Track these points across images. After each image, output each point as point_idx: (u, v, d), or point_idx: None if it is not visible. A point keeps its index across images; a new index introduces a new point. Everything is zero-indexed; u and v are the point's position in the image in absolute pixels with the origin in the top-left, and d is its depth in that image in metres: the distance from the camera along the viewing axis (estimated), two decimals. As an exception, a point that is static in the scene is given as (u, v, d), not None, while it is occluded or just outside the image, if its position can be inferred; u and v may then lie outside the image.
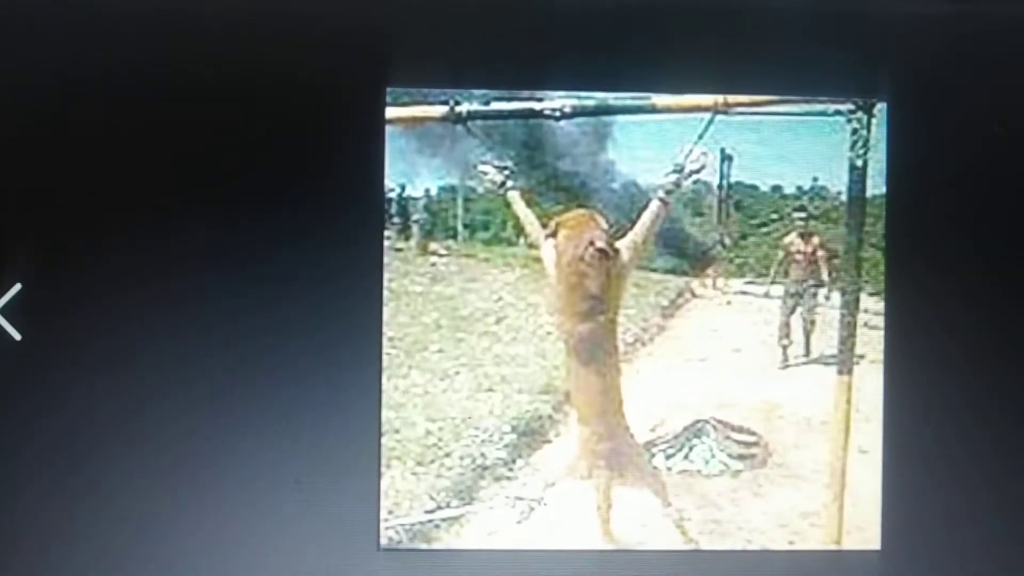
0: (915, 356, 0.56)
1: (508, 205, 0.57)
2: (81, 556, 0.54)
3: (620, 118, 0.56)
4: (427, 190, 0.57)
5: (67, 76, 0.54)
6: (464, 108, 0.56)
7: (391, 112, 0.55)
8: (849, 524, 0.57)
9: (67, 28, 0.54)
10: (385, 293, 0.55)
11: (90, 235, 0.54)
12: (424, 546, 0.56)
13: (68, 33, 0.54)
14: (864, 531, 0.56)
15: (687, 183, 0.57)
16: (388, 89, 0.55)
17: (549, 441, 0.57)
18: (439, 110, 0.56)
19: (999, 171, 0.57)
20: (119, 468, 0.54)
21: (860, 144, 0.56)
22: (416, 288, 0.57)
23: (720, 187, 0.57)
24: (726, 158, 0.57)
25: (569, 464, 0.57)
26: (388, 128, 0.55)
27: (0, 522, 0.54)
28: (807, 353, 0.58)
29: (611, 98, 0.56)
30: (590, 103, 0.56)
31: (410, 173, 0.56)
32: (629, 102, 0.56)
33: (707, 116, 0.56)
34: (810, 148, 0.57)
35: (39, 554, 0.54)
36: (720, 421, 0.57)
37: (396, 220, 0.56)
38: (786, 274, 0.59)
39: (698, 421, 0.57)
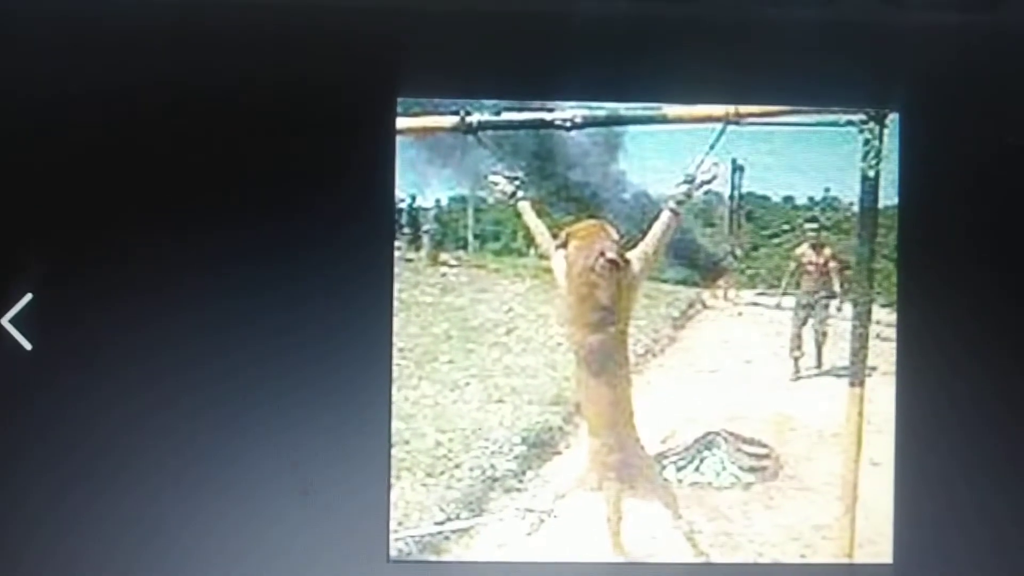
0: (927, 368, 0.56)
1: (518, 215, 0.57)
2: (88, 563, 0.54)
3: (631, 128, 0.56)
4: (437, 200, 0.57)
5: (77, 85, 0.54)
6: (475, 118, 0.56)
7: (402, 122, 0.55)
8: (861, 537, 0.56)
9: (79, 37, 0.54)
10: (395, 303, 0.55)
11: (100, 245, 0.54)
12: (434, 558, 0.56)
13: (79, 41, 0.54)
14: (876, 544, 0.56)
15: (698, 194, 0.57)
16: (399, 99, 0.55)
17: (559, 453, 0.57)
18: (450, 120, 0.56)
19: (1012, 182, 0.56)
20: (128, 477, 0.54)
21: (872, 155, 0.56)
22: (426, 298, 0.57)
23: (731, 198, 0.57)
24: (737, 168, 0.57)
25: (579, 476, 0.57)
26: (399, 138, 0.55)
27: (10, 530, 0.54)
28: (819, 365, 0.58)
29: (622, 108, 0.56)
30: (601, 113, 0.56)
31: (420, 183, 0.56)
32: (640, 112, 0.56)
33: (718, 126, 0.56)
34: (822, 159, 0.56)
35: (47, 560, 0.54)
36: (731, 433, 0.57)
37: (406, 230, 0.56)
38: (798, 285, 0.58)
39: (709, 433, 0.57)
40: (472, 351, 0.57)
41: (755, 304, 0.58)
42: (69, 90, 0.54)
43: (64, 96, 0.54)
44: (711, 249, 0.58)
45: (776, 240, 0.58)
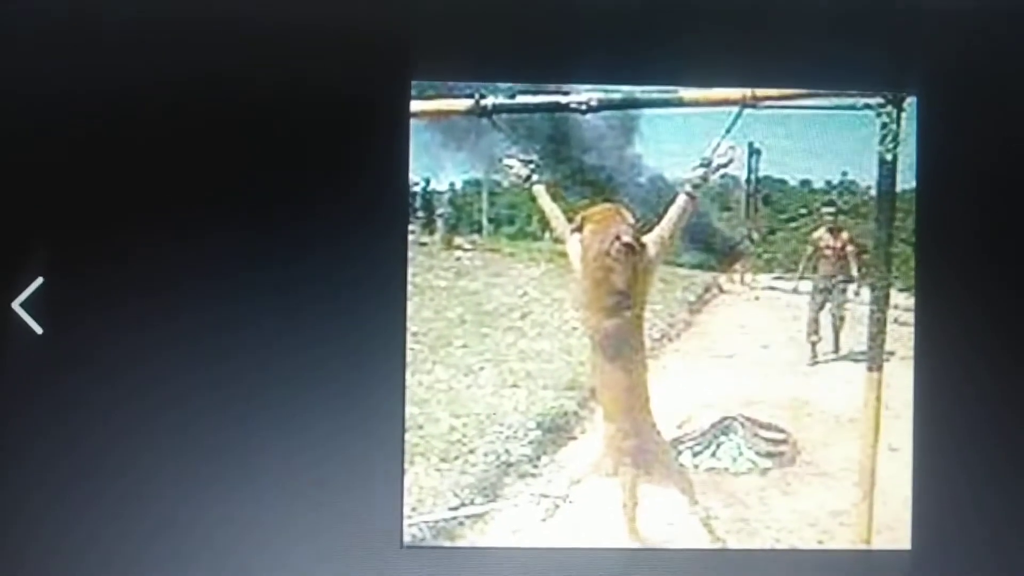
0: (946, 352, 0.56)
1: (533, 199, 0.57)
2: (99, 552, 0.53)
3: (647, 112, 0.56)
4: (452, 184, 0.56)
5: (93, 75, 0.54)
6: (489, 101, 0.56)
7: (416, 105, 0.55)
8: (879, 523, 0.56)
9: (96, 28, 0.53)
10: (409, 288, 0.55)
11: (113, 229, 0.54)
12: (448, 544, 0.55)
13: (96, 34, 0.53)
14: (894, 530, 0.56)
15: (715, 177, 0.56)
16: (413, 82, 0.55)
17: (574, 438, 0.57)
18: (464, 103, 0.56)
19: (1031, 166, 0.56)
20: (139, 463, 0.54)
21: (890, 138, 0.56)
22: (440, 283, 0.56)
23: (748, 181, 0.57)
24: (754, 152, 0.56)
25: (595, 461, 0.57)
26: (413, 122, 0.55)
27: (17, 517, 0.53)
28: (836, 349, 0.57)
29: (638, 91, 0.56)
30: (616, 96, 0.56)
31: (435, 167, 0.56)
32: (656, 95, 0.56)
33: (735, 110, 0.56)
34: (839, 142, 0.56)
35: (56, 550, 0.53)
36: (748, 418, 0.57)
37: (421, 214, 0.56)
38: (815, 269, 0.58)
39: (725, 418, 0.57)
40: (486, 335, 0.57)
41: (772, 288, 0.58)
42: (86, 82, 0.53)
43: (81, 88, 0.53)
44: (728, 233, 0.57)
45: (793, 224, 0.58)
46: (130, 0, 0.54)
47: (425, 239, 0.56)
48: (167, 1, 0.54)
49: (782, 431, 0.57)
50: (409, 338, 0.55)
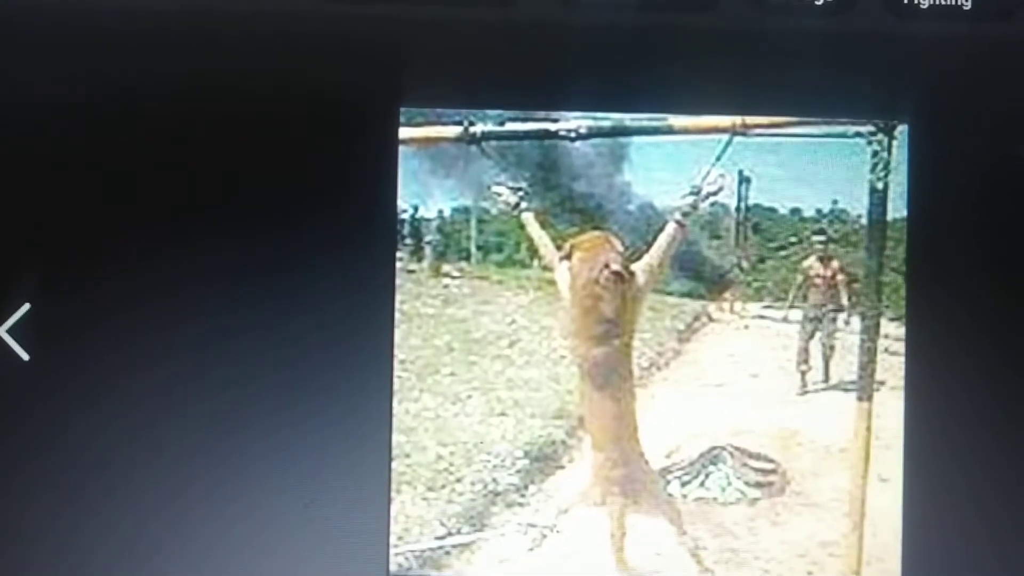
0: (936, 382, 0.55)
1: (522, 227, 0.57)
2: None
3: (636, 139, 0.56)
4: (440, 211, 0.56)
5: (76, 92, 0.53)
6: (478, 128, 0.56)
7: (404, 132, 0.55)
8: (869, 555, 0.55)
9: (79, 44, 0.53)
10: (397, 315, 0.55)
11: (98, 255, 0.54)
12: (434, 573, 0.55)
13: (79, 48, 0.53)
14: (884, 562, 0.55)
15: (704, 205, 0.56)
16: (402, 109, 0.55)
17: (562, 467, 0.56)
18: (453, 130, 0.56)
19: (1022, 194, 0.56)
20: (126, 489, 0.53)
21: (881, 166, 0.56)
22: (428, 310, 0.56)
23: (738, 209, 0.56)
24: (744, 180, 0.56)
25: (582, 491, 0.56)
26: (401, 148, 0.55)
27: (7, 541, 0.53)
28: (826, 379, 0.57)
29: (627, 119, 0.55)
30: (606, 124, 0.56)
31: (423, 194, 0.56)
32: (646, 123, 0.55)
33: (725, 137, 0.55)
34: (830, 170, 0.56)
35: (44, 574, 0.53)
36: (737, 448, 0.56)
37: (408, 241, 0.56)
38: (805, 298, 0.58)
39: (714, 448, 0.56)
40: (474, 363, 0.57)
41: (761, 317, 0.58)
42: (66, 98, 0.53)
43: (63, 106, 0.53)
44: (717, 261, 0.57)
45: (783, 252, 0.57)
46: (119, 13, 0.53)
47: (413, 266, 0.56)
48: (160, 17, 0.53)
49: (771, 461, 0.56)
50: (396, 366, 0.55)
